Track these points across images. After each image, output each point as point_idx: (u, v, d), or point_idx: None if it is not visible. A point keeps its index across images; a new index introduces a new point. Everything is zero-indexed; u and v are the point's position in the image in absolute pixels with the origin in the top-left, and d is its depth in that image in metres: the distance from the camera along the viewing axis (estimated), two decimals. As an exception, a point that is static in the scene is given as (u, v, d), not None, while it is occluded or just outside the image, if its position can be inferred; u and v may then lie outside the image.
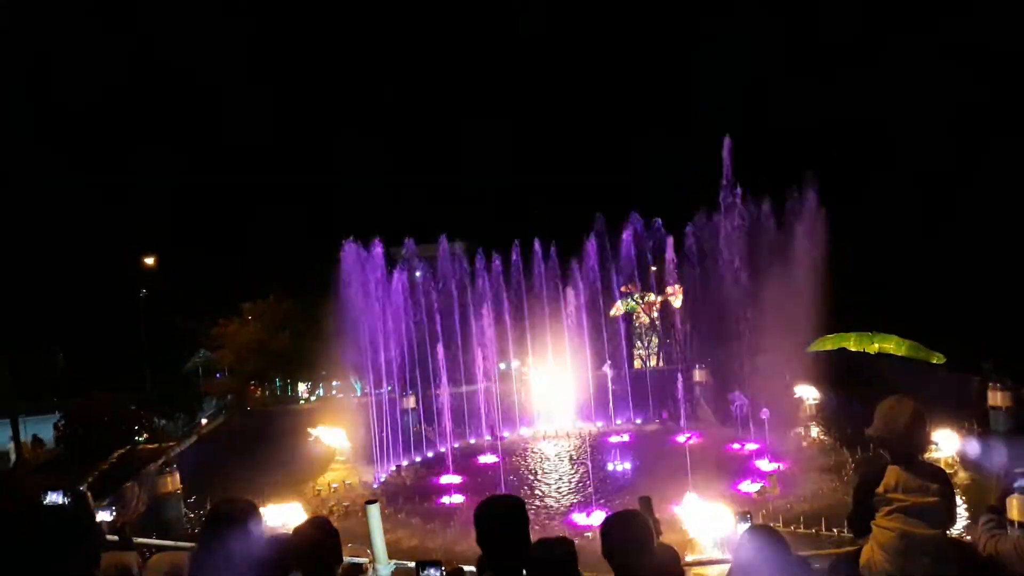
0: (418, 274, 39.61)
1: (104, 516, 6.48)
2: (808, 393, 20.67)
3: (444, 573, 4.75)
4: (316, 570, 4.21)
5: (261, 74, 44.80)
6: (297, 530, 4.38)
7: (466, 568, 5.35)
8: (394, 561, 6.08)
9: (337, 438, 20.28)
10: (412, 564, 6.03)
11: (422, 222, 39.37)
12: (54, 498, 3.96)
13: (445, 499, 17.16)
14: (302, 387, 35.60)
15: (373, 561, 5.95)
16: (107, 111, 40.50)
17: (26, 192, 35.35)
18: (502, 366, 36.10)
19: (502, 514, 4.08)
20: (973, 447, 17.67)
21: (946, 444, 16.23)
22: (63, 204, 37.14)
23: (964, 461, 16.34)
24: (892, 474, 4.58)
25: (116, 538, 5.89)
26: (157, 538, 13.26)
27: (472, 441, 21.19)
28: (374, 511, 6.00)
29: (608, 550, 4.05)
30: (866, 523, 4.68)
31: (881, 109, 40.64)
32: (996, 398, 19.13)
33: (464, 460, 19.41)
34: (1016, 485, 4.74)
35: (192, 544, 6.23)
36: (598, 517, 15.09)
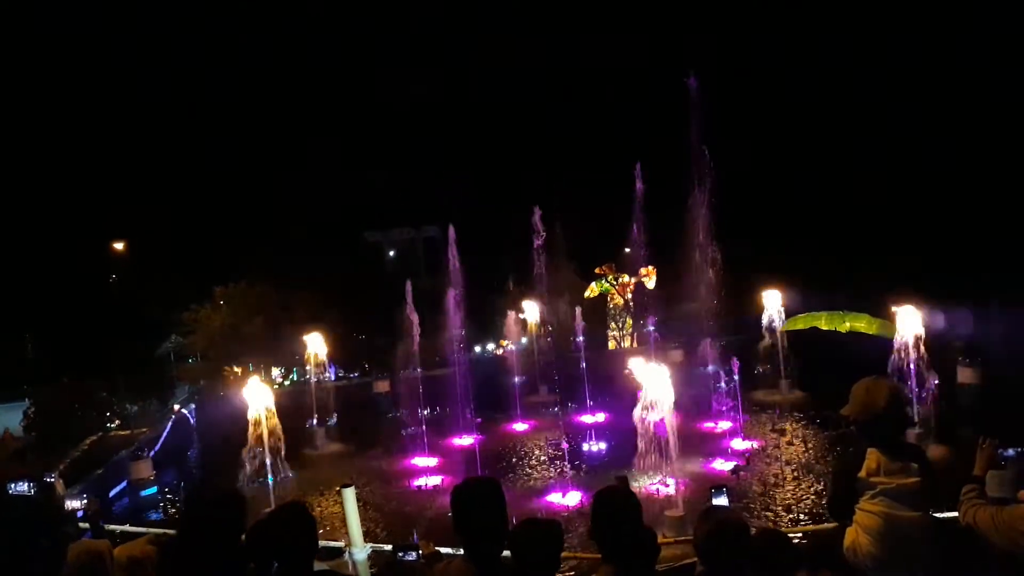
0: (391, 253, 39.64)
1: (75, 504, 6.37)
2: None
3: (421, 556, 4.72)
4: (293, 556, 4.15)
5: (238, 59, 44.16)
6: (273, 515, 4.31)
7: (443, 550, 5.32)
8: (370, 545, 6.03)
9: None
10: (388, 548, 6.00)
11: (397, 206, 39.34)
12: (20, 488, 3.88)
13: (420, 481, 17.14)
14: (275, 372, 35.40)
15: (349, 545, 5.90)
16: (75, 93, 39.63)
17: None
18: (477, 348, 36.18)
19: (479, 496, 4.04)
20: (938, 320, 18.08)
21: (911, 320, 16.49)
22: (31, 189, 36.52)
23: (930, 333, 16.66)
24: (873, 457, 4.58)
25: (87, 526, 5.82)
26: (132, 525, 13.19)
27: (448, 424, 21.06)
28: (350, 495, 5.95)
29: (598, 527, 4.03)
30: (849, 507, 4.69)
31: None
32: (965, 375, 19.42)
33: (439, 442, 19.36)
34: (1001, 456, 4.77)
35: (161, 531, 6.16)
36: (574, 497, 15.15)
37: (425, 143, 44.82)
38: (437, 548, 5.07)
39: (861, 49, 41.33)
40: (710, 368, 19.66)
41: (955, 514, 4.75)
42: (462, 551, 4.08)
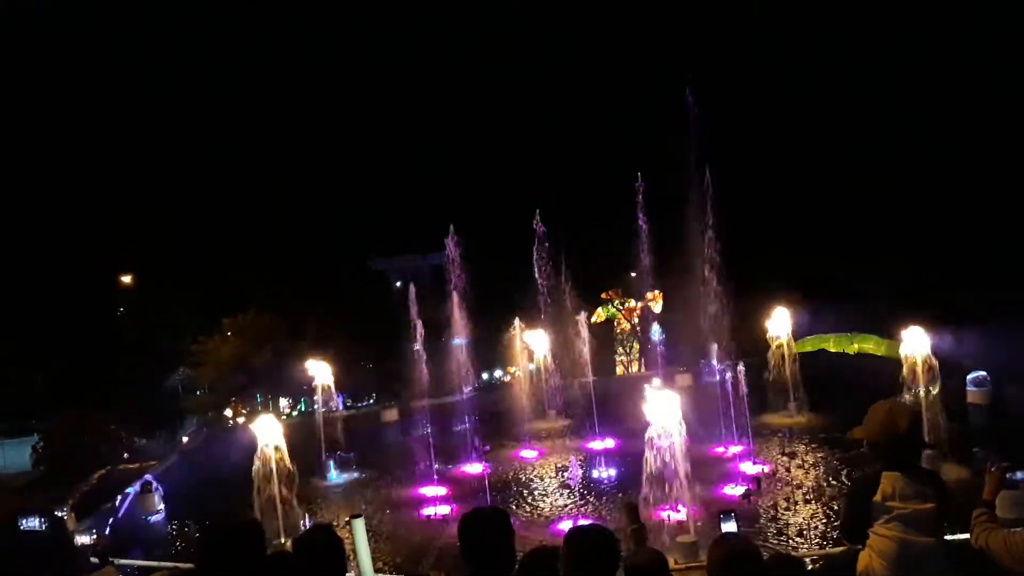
0: (398, 284, 39.68)
1: (84, 540, 6.36)
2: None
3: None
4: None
5: (245, 87, 44.39)
6: (301, 541, 4.33)
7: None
8: (380, 576, 6.03)
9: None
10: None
11: (404, 234, 39.42)
12: (31, 523, 3.89)
13: (428, 510, 17.08)
14: (283, 402, 35.40)
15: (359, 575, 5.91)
16: (74, 112, 39.82)
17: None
18: (485, 376, 36.15)
19: (486, 526, 4.05)
20: (946, 341, 17.96)
21: (919, 342, 16.37)
22: (38, 218, 36.66)
23: (938, 356, 16.52)
24: (888, 481, 4.56)
25: (96, 560, 5.82)
26: (142, 559, 13.16)
27: (456, 452, 20.98)
28: (359, 525, 5.96)
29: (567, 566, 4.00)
30: (862, 531, 4.67)
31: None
32: (974, 395, 19.32)
33: (447, 470, 19.30)
34: (1009, 479, 4.76)
35: (173, 564, 6.16)
36: (585, 523, 15.06)
37: (425, 164, 44.84)
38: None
39: (861, 49, 41.25)
40: (716, 373, 19.51)
41: (967, 536, 4.73)
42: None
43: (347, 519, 6.11)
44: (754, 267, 26.65)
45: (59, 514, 6.94)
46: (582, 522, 14.83)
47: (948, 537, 4.79)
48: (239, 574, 4.01)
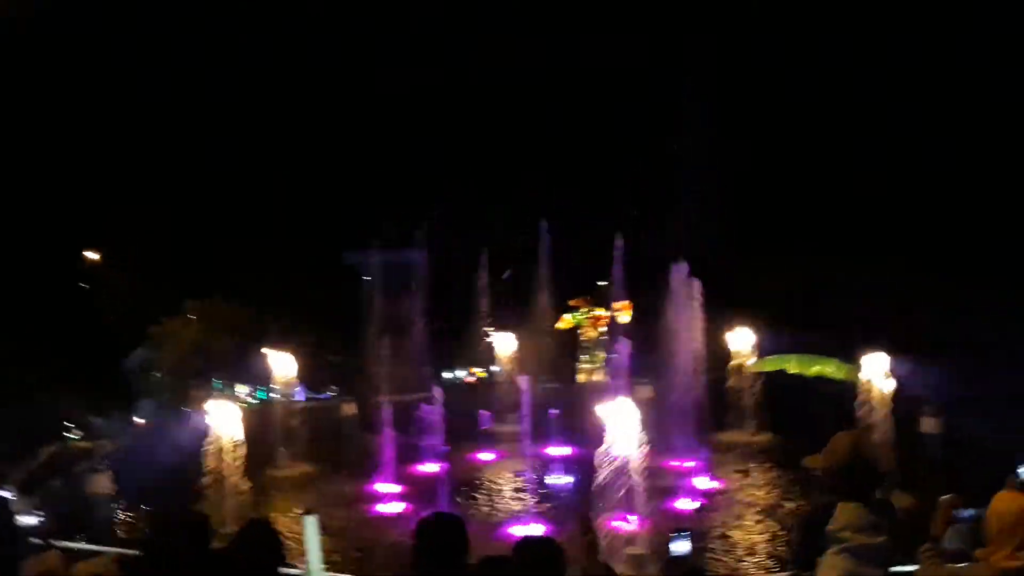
0: (366, 279, 39.47)
1: (29, 520, 6.27)
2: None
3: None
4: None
5: (230, 68, 43.84)
6: (240, 534, 4.31)
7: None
8: (329, 574, 6.00)
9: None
10: (347, 577, 5.96)
11: (376, 229, 39.16)
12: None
13: (382, 507, 17.05)
14: (243, 390, 35.03)
15: (308, 573, 5.88)
16: (44, 93, 39.11)
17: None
18: (447, 375, 36.04)
19: (443, 531, 4.05)
20: (904, 367, 18.23)
21: (877, 366, 16.63)
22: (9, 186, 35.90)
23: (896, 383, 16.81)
24: (844, 512, 4.56)
25: (40, 543, 5.75)
26: (87, 541, 12.99)
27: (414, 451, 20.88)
28: (311, 522, 5.94)
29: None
30: (812, 559, 4.70)
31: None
32: (928, 424, 19.61)
33: (404, 468, 19.22)
34: (958, 517, 4.84)
35: (119, 550, 6.09)
36: (536, 530, 15.11)
37: (406, 162, 44.65)
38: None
39: (861, 49, 41.42)
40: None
41: (915, 569, 4.80)
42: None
43: (301, 513, 6.07)
44: (726, 286, 26.77)
45: (3, 494, 6.83)
46: (531, 531, 14.88)
47: (896, 569, 4.84)
48: (183, 565, 3.99)
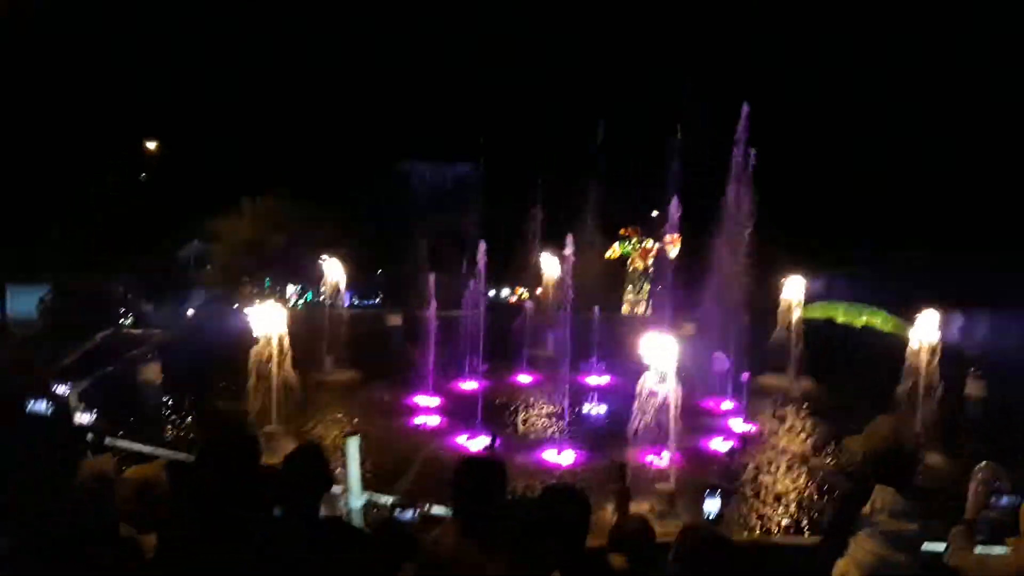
0: (420, 186, 39.54)
1: (83, 419, 6.53)
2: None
3: (418, 516, 4.81)
4: (300, 504, 4.28)
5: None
6: (289, 459, 4.43)
7: (438, 511, 5.44)
8: (367, 494, 6.16)
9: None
10: (385, 499, 6.13)
11: (431, 139, 39.01)
12: (37, 407, 3.97)
13: (419, 419, 17.40)
14: (291, 289, 35.64)
15: (346, 492, 6.04)
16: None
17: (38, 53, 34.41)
18: (492, 293, 36.24)
19: (482, 475, 4.12)
20: (954, 324, 17.95)
21: (929, 326, 16.39)
22: (74, 72, 36.23)
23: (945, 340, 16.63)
24: (880, 496, 4.59)
25: (92, 436, 5.94)
26: (133, 429, 13.50)
27: (454, 366, 21.12)
28: (353, 444, 6.07)
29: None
30: (845, 537, 4.73)
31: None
32: (973, 387, 19.34)
33: (443, 383, 19.51)
34: (994, 504, 4.79)
35: (170, 453, 6.31)
36: (568, 456, 15.36)
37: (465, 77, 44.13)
38: (433, 510, 5.19)
39: (861, 49, 40.41)
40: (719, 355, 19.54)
41: (944, 550, 4.80)
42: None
43: (344, 433, 6.20)
44: (776, 231, 26.39)
45: (62, 390, 7.06)
46: (563, 459, 15.11)
47: (927, 548, 4.85)
48: (232, 483, 4.11)
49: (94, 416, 6.50)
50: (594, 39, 43.31)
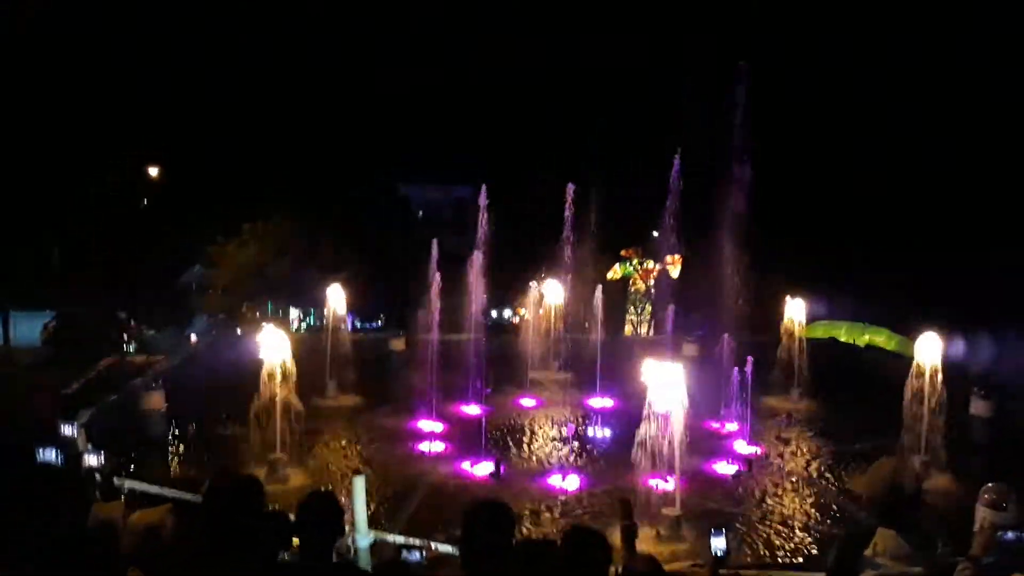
0: (420, 214, 39.68)
1: (91, 460, 6.54)
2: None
3: (426, 559, 4.82)
4: (313, 546, 4.31)
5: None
6: (303, 506, 4.46)
7: (444, 549, 5.44)
8: (374, 533, 6.17)
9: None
10: (391, 538, 6.14)
11: (431, 162, 39.14)
12: (48, 455, 4.00)
13: (423, 445, 17.37)
14: (293, 313, 35.75)
15: (353, 530, 6.04)
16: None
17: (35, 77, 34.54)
18: (494, 314, 36.29)
19: (490, 523, 4.12)
20: (956, 348, 17.87)
21: (930, 349, 16.30)
22: (72, 95, 36.37)
23: (948, 360, 16.48)
24: (883, 538, 4.61)
25: (100, 479, 5.97)
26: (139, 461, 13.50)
27: (458, 391, 21.10)
28: (359, 483, 6.08)
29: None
30: None
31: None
32: (978, 406, 19.30)
33: (447, 408, 19.49)
34: (1002, 539, 4.78)
35: (178, 493, 6.33)
36: (573, 481, 15.33)
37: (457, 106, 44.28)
38: (441, 550, 5.20)
39: (861, 49, 40.47)
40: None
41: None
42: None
43: (352, 473, 6.22)
44: (775, 250, 26.50)
45: (69, 431, 7.09)
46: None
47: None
48: (238, 526, 4.13)
49: (102, 457, 6.50)
50: (592, 43, 43.39)
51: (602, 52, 42.72)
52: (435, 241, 23.01)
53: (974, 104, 37.51)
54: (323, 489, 4.45)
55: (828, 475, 16.01)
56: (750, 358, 18.65)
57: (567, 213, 25.38)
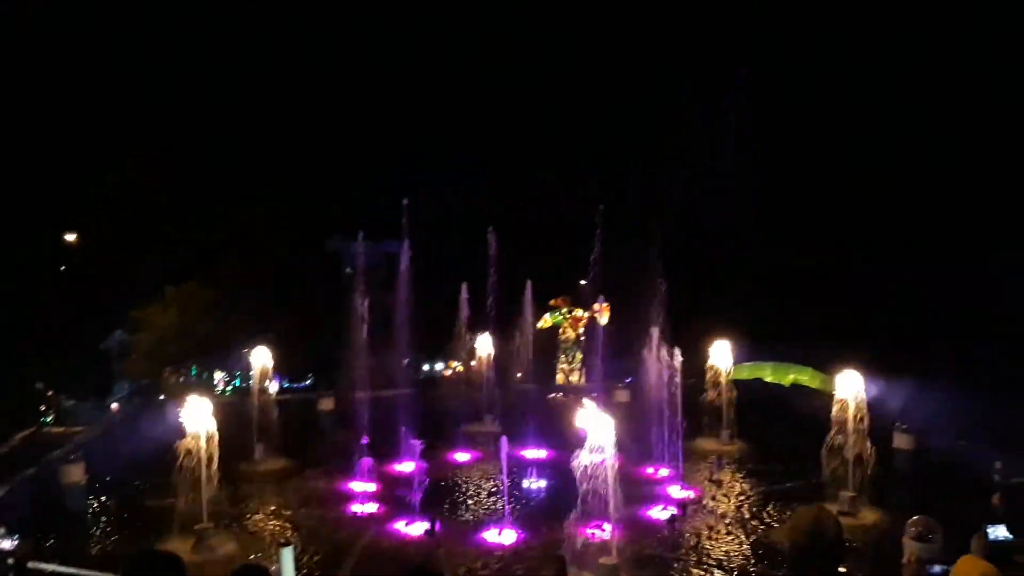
0: (348, 271, 39.28)
1: (5, 545, 6.22)
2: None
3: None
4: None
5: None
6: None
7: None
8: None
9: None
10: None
11: (360, 218, 38.87)
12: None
13: (356, 507, 17.05)
14: (218, 376, 34.94)
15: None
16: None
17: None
18: (425, 368, 36.08)
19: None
20: (874, 389, 18.32)
21: (853, 386, 16.61)
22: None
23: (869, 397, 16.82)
24: None
25: (13, 563, 5.73)
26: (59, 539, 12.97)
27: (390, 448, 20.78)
28: (287, 554, 5.96)
29: None
30: None
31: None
32: (900, 440, 19.93)
33: (379, 467, 19.16)
34: (928, 572, 4.90)
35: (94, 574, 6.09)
36: (509, 536, 15.21)
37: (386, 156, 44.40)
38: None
39: (861, 49, 41.47)
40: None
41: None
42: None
43: (279, 545, 6.09)
44: (700, 301, 27.02)
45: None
46: (503, 539, 14.92)
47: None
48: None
49: (15, 540, 6.19)
50: (592, 43, 43.60)
51: (602, 52, 43.01)
52: (364, 297, 22.84)
53: (973, 104, 38.31)
54: (252, 560, 4.29)
55: (761, 515, 16.16)
56: (680, 402, 18.92)
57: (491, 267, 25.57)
